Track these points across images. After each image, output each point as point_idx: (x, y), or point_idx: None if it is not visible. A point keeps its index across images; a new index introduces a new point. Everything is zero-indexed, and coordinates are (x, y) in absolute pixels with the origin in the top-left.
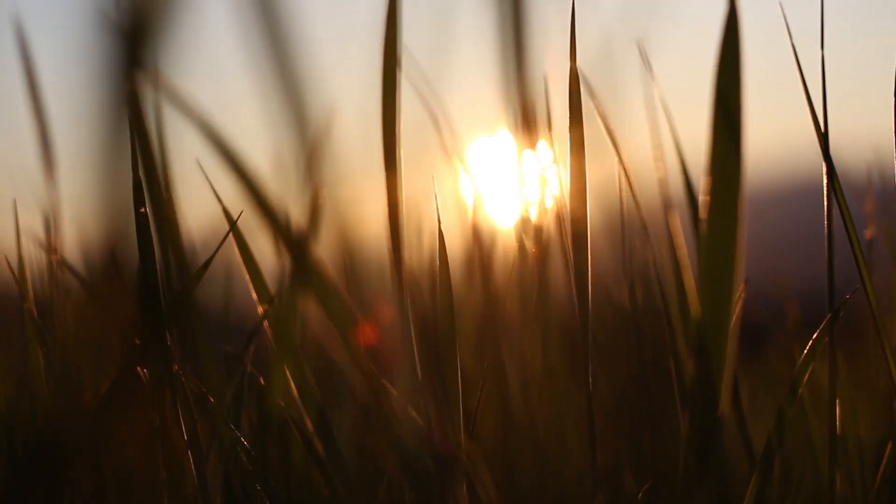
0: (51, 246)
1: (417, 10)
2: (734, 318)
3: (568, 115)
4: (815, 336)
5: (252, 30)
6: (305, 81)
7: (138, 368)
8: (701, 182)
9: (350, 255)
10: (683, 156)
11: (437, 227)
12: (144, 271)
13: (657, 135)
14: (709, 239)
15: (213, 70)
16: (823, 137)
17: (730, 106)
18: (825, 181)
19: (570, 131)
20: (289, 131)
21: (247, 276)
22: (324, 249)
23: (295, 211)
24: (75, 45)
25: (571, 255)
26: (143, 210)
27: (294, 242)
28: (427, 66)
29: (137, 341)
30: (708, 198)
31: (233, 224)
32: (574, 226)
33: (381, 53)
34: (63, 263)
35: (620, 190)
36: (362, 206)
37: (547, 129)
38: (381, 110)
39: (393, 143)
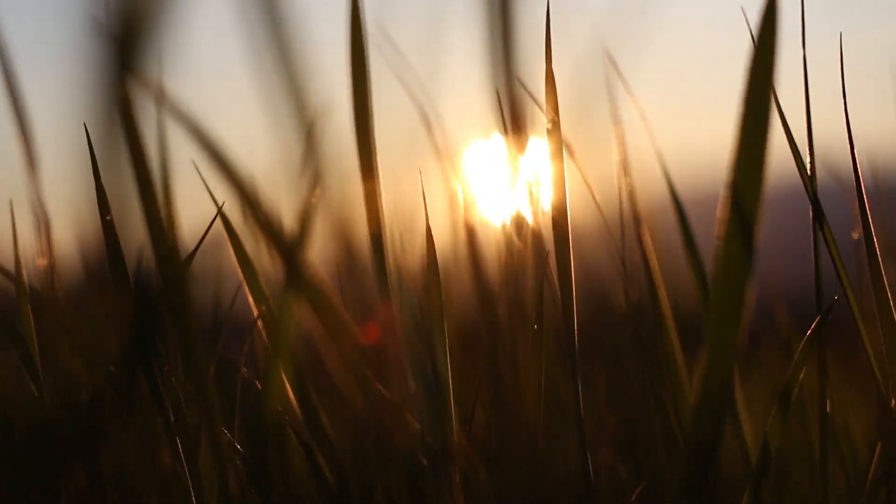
0: (42, 249)
1: (408, 11)
2: (744, 328)
3: (548, 117)
4: (805, 337)
5: (247, 28)
6: (301, 80)
7: (131, 370)
8: (723, 179)
9: (345, 256)
10: (664, 162)
11: (426, 227)
12: (116, 276)
13: (621, 146)
14: (723, 243)
15: (205, 70)
16: (809, 152)
17: (760, 107)
18: (809, 186)
19: (548, 133)
20: (283, 130)
21: (242, 278)
22: (318, 251)
23: (288, 213)
24: (62, 45)
25: (554, 255)
26: (108, 218)
27: (286, 245)
28: (417, 66)
29: (129, 344)
30: (728, 202)
31: (228, 227)
32: (555, 227)
33: (348, 58)
34: (55, 267)
35: (619, 191)
36: (357, 206)
37: (535, 130)
38: (353, 114)
39: (369, 149)
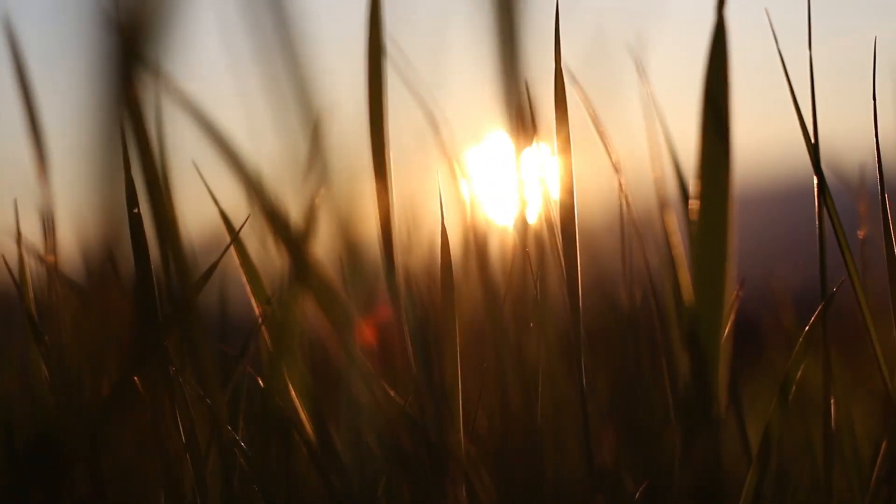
0: (48, 247)
1: (412, 10)
2: (728, 317)
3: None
4: (808, 327)
5: (252, 27)
6: (305, 78)
7: (136, 371)
8: (691, 183)
9: (349, 253)
10: (676, 155)
11: (441, 226)
12: (140, 272)
13: (651, 133)
14: (699, 238)
15: (211, 67)
16: (814, 143)
17: (718, 108)
18: (816, 183)
19: (557, 131)
20: (289, 128)
21: (244, 278)
22: (323, 247)
23: (294, 209)
24: (70, 42)
25: (561, 252)
26: (136, 210)
27: (292, 241)
28: (422, 67)
29: (134, 344)
30: (698, 198)
31: (232, 229)
32: (563, 225)
33: (365, 56)
34: (60, 265)
35: (619, 189)
36: (362, 204)
37: (541, 129)
38: (368, 113)
39: (381, 148)
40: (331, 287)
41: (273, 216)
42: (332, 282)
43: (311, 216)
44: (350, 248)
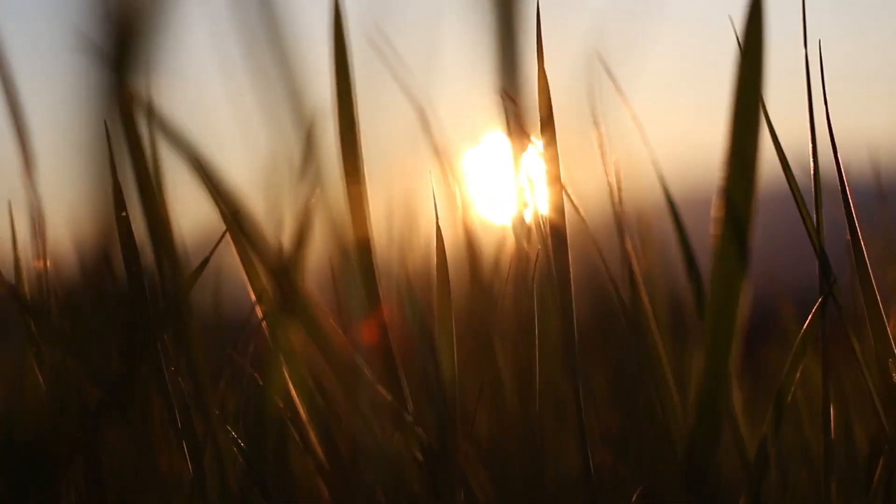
0: (39, 249)
1: (408, 11)
2: (742, 324)
3: (539, 117)
4: (805, 325)
5: (242, 28)
6: (297, 80)
7: (131, 370)
8: (713, 179)
9: (342, 257)
10: (657, 163)
11: (436, 227)
12: (130, 272)
13: (639, 139)
14: (721, 239)
15: (201, 75)
16: (811, 143)
17: (750, 99)
18: (812, 184)
19: (542, 132)
20: (280, 131)
21: (244, 276)
22: (317, 249)
23: (286, 218)
24: (58, 42)
25: (552, 254)
26: (124, 214)
27: (278, 270)
28: (416, 66)
29: (128, 343)
30: (723, 199)
31: (230, 229)
32: (553, 225)
33: (331, 54)
34: (51, 266)
35: (610, 193)
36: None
37: (536, 131)
38: (336, 114)
39: (354, 149)
40: (319, 313)
41: (257, 246)
42: (320, 308)
43: (300, 236)
44: (342, 252)
